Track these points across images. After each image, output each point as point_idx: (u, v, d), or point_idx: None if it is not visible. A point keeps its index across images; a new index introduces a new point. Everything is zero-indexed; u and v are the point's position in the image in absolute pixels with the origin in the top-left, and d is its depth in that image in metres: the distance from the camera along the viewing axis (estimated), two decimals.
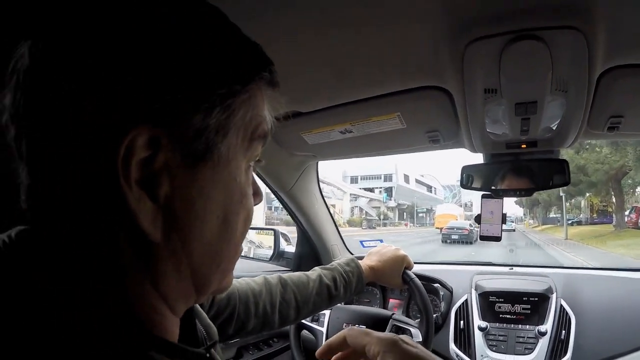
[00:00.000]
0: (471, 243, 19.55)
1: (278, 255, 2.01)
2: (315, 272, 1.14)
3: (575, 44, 0.75)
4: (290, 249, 2.04)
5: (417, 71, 0.99)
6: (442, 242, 20.91)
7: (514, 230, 32.14)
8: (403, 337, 0.57)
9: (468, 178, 1.34)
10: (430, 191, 64.32)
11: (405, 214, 57.34)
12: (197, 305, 0.62)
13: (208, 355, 0.48)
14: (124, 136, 0.34)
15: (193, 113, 0.37)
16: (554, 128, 1.06)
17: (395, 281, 1.28)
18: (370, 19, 0.78)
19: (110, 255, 0.37)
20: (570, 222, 28.62)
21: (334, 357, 0.63)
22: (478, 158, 1.35)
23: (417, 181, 60.24)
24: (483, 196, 1.35)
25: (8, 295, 0.34)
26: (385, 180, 54.70)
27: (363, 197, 51.14)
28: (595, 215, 27.24)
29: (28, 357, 0.32)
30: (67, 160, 0.36)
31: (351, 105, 1.19)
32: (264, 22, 0.78)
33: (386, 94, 1.11)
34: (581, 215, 30.23)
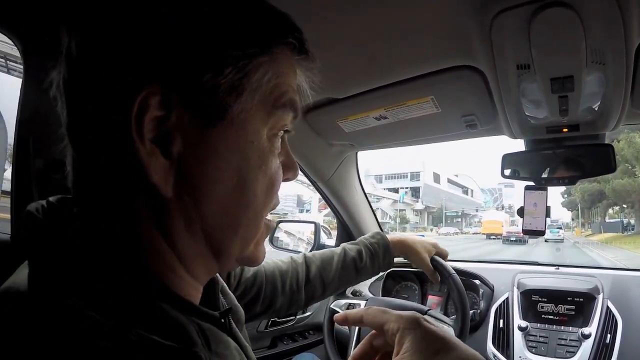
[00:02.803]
0: (525, 242, 26.38)
1: (318, 248, 2.01)
2: (340, 247, 1.15)
3: (606, 10, 0.71)
4: (331, 242, 2.04)
5: (447, 49, 0.97)
6: (502, 243, 27.40)
7: (562, 240, 28.72)
8: (426, 317, 0.54)
9: (508, 166, 1.28)
10: (466, 193, 60.12)
11: (431, 216, 53.24)
12: (225, 286, 0.65)
13: (223, 321, 0.50)
14: (136, 95, 0.37)
15: (203, 72, 0.38)
16: (596, 109, 0.98)
17: (424, 262, 1.26)
18: None
19: (126, 208, 0.40)
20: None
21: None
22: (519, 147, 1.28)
23: (450, 181, 56.06)
24: (526, 188, 1.28)
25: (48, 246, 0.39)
26: (412, 180, 51.39)
27: (385, 198, 47.90)
28: None
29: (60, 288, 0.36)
30: (94, 124, 0.39)
31: (384, 89, 1.18)
32: (293, 6, 0.80)
33: (418, 75, 1.09)
34: None
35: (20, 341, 0.32)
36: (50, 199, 0.44)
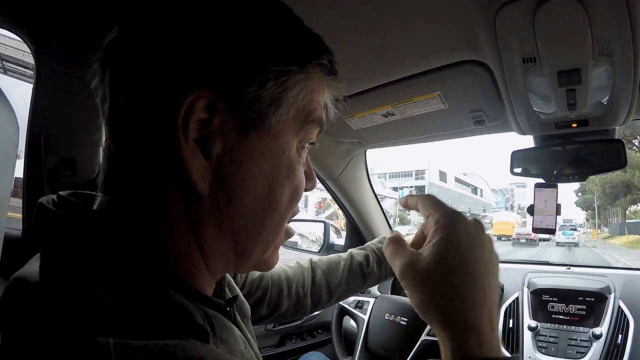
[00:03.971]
0: (536, 244, 25.89)
1: (327, 248, 2.01)
2: (347, 253, 1.14)
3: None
4: (340, 241, 2.04)
5: (451, 44, 0.96)
6: (512, 245, 26.28)
7: (576, 244, 26.03)
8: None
9: (518, 164, 1.26)
10: (476, 192, 57.93)
11: None
12: (232, 281, 0.68)
13: (228, 309, 0.52)
14: (185, 97, 0.39)
15: (248, 83, 0.42)
16: (605, 103, 0.97)
17: None
18: None
19: (159, 200, 0.43)
20: None
21: None
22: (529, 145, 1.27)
23: (458, 180, 53.92)
24: (536, 186, 1.27)
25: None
26: (417, 178, 49.66)
27: (388, 197, 46.73)
28: None
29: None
30: (138, 118, 0.42)
31: (391, 85, 1.18)
32: (300, 4, 0.80)
33: (424, 71, 1.09)
34: None
35: (28, 323, 0.34)
36: (61, 193, 0.46)
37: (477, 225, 0.51)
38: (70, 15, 0.97)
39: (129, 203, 0.43)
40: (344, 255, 1.14)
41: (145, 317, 0.35)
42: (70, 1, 0.94)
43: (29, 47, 1.00)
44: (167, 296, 0.40)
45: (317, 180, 0.52)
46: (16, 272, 0.42)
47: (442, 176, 50.65)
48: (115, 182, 0.44)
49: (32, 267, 0.40)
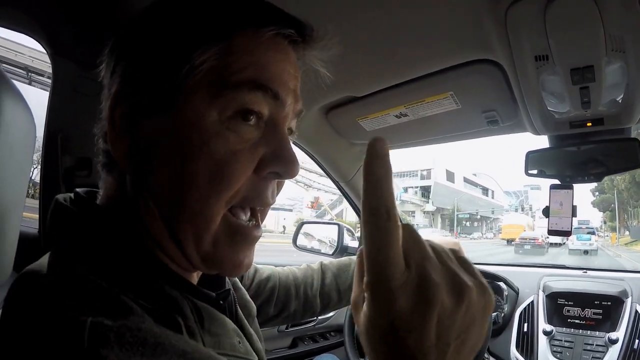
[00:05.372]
0: (544, 252, 20.65)
1: (341, 250, 2.00)
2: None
3: None
4: (355, 244, 2.03)
5: (463, 43, 0.96)
6: (515, 252, 20.78)
7: (595, 251, 21.47)
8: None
9: (533, 164, 1.24)
10: (486, 194, 54.30)
11: (447, 219, 48.23)
12: (238, 281, 0.70)
13: (221, 303, 0.52)
14: (111, 94, 0.46)
15: (138, 73, 0.46)
16: (620, 101, 0.95)
17: None
18: None
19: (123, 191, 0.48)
20: None
21: None
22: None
23: (467, 180, 50.21)
24: (551, 187, 1.24)
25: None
26: (422, 179, 46.20)
27: None
28: None
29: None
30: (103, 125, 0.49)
31: (403, 86, 1.17)
32: (314, 6, 0.81)
33: (436, 71, 1.08)
34: None
35: (26, 301, 0.38)
36: (77, 190, 0.50)
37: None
38: (85, 19, 1.00)
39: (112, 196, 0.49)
40: (355, 257, 1.13)
41: (129, 302, 0.37)
42: (85, 6, 0.96)
43: (45, 50, 1.03)
44: (156, 287, 0.42)
45: (297, 166, 0.46)
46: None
47: (450, 176, 47.36)
48: (102, 178, 0.50)
49: (42, 261, 0.43)
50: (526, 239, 22.65)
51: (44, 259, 0.43)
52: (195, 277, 0.52)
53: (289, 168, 0.47)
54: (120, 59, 0.47)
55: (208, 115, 0.43)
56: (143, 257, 0.44)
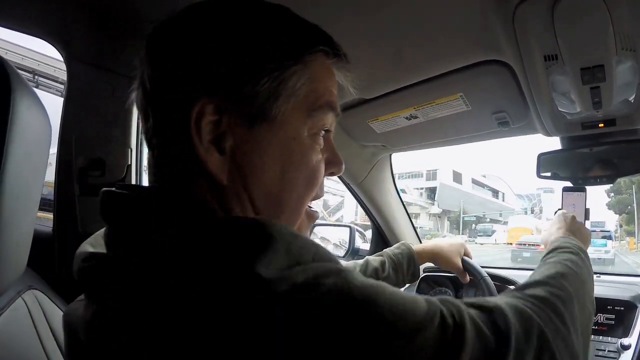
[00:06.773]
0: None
1: (353, 252, 2.00)
2: (363, 259, 1.15)
3: None
4: (366, 246, 2.03)
5: (472, 44, 0.96)
6: (512, 260, 17.08)
7: (611, 260, 16.76)
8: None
9: (544, 166, 1.23)
10: (496, 196, 51.99)
11: (454, 223, 46.11)
12: None
13: None
14: (194, 104, 0.46)
15: (245, 83, 0.47)
16: (632, 101, 0.93)
17: (453, 263, 1.23)
18: None
19: (194, 194, 0.49)
20: None
21: None
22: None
23: (475, 182, 48.11)
24: (564, 189, 1.23)
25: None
26: (428, 179, 44.55)
27: None
28: None
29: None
30: (167, 129, 0.50)
31: (413, 87, 1.18)
32: (322, 8, 0.82)
33: (446, 72, 1.09)
34: None
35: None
36: (117, 185, 0.52)
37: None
38: (99, 23, 1.02)
39: (175, 199, 0.50)
40: (360, 261, 1.15)
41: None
42: (99, 11, 0.99)
43: (60, 54, 1.05)
44: None
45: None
46: (78, 251, 0.49)
47: (457, 177, 45.58)
48: (158, 179, 0.52)
49: (86, 248, 0.50)
50: (525, 244, 17.88)
51: (87, 247, 0.49)
52: None
53: (341, 168, 0.58)
54: (193, 70, 0.48)
55: (302, 131, 0.51)
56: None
